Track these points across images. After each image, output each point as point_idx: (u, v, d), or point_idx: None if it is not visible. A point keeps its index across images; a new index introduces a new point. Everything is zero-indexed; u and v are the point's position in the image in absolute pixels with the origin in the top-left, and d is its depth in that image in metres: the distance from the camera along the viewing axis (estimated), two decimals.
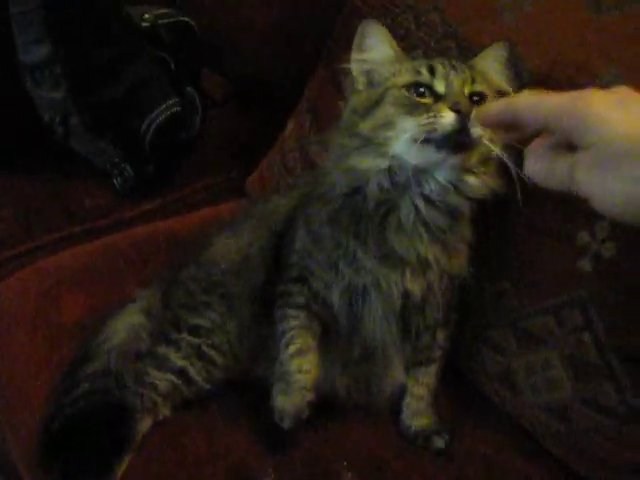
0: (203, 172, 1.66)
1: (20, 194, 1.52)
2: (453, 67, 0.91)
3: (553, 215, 1.01)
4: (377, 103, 0.91)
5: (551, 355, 1.02)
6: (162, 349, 1.05)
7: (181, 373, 1.04)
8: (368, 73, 0.96)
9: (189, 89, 1.58)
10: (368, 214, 0.93)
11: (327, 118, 1.34)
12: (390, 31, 1.21)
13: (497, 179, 0.93)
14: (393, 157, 0.89)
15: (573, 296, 1.00)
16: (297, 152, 1.39)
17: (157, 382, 1.03)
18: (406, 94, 0.89)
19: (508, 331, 1.07)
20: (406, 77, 0.91)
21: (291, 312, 1.00)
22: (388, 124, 0.89)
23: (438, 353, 1.08)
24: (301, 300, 1.00)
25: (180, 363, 1.04)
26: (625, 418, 0.97)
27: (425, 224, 0.92)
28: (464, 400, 1.14)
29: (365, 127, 0.91)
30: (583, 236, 0.99)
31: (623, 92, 0.68)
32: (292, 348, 0.98)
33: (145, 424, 1.02)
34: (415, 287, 0.95)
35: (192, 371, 1.04)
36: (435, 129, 0.84)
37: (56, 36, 1.36)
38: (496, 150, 0.86)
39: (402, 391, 1.09)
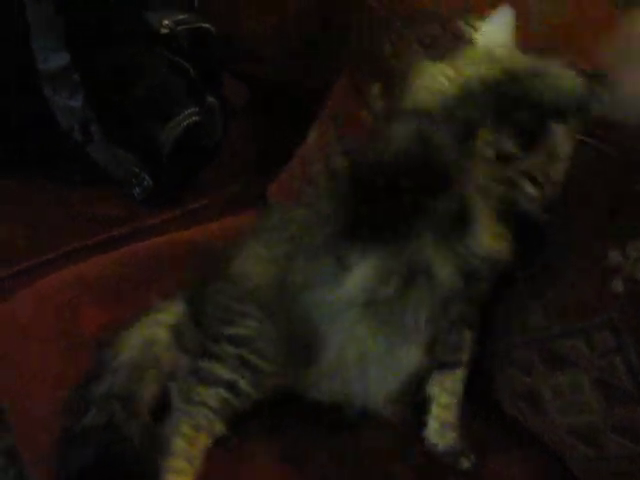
0: (224, 181, 1.64)
1: (38, 203, 1.51)
2: None
3: (583, 233, 0.98)
4: None
5: (580, 378, 0.99)
6: (205, 364, 1.02)
7: (230, 386, 1.00)
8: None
9: (210, 98, 1.55)
10: None
11: (351, 127, 1.33)
12: (416, 39, 1.22)
13: None
14: None
15: (604, 318, 0.97)
16: (320, 162, 1.37)
17: (207, 399, 1.00)
18: None
19: (535, 352, 1.04)
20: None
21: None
22: None
23: (466, 356, 1.06)
24: None
25: (227, 376, 1.01)
26: None
27: None
28: (489, 420, 1.11)
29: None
30: (614, 256, 0.96)
31: None
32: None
33: (203, 442, 0.99)
34: None
35: (241, 382, 1.01)
36: None
37: (74, 44, 1.35)
38: None
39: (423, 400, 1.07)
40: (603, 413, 0.98)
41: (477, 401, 1.10)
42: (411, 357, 1.03)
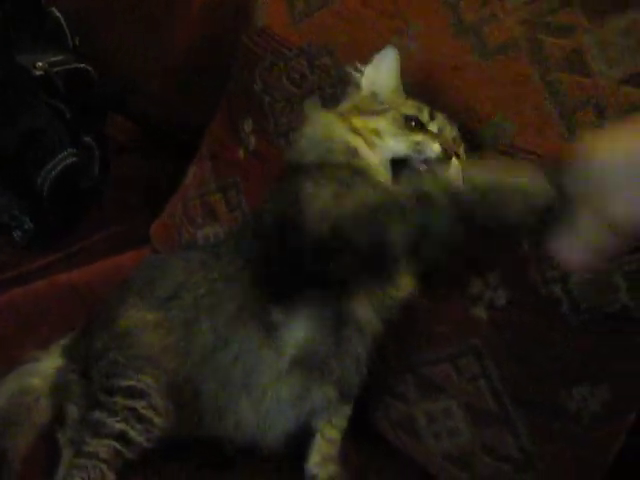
0: (108, 220, 1.61)
1: None
2: (449, 124, 1.00)
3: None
4: (378, 113, 1.00)
5: (450, 403, 1.03)
6: (96, 414, 0.99)
7: (121, 437, 0.98)
8: (373, 90, 1.05)
9: (87, 138, 1.54)
10: None
11: (227, 165, 1.34)
12: (285, 76, 1.24)
13: None
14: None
15: (469, 344, 1.00)
16: (198, 200, 1.37)
17: (98, 449, 0.97)
18: (404, 120, 0.98)
19: (409, 378, 1.07)
20: (410, 109, 1.00)
21: None
22: (378, 133, 0.98)
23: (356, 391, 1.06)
24: None
25: (119, 427, 0.98)
26: (523, 464, 0.98)
27: None
28: (369, 448, 1.12)
29: (358, 123, 1.00)
30: (477, 284, 0.99)
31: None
32: None
33: None
34: None
35: (132, 433, 0.98)
36: (421, 151, 0.94)
37: None
38: None
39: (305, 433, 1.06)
40: (472, 436, 1.01)
41: (357, 430, 1.10)
42: (319, 398, 1.04)
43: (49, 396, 1.07)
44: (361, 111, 1.02)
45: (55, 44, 1.58)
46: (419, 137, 0.95)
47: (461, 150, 0.99)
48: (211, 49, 1.69)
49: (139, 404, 0.99)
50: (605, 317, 0.92)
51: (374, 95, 1.05)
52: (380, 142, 0.98)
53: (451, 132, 0.99)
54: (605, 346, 0.93)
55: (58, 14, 1.61)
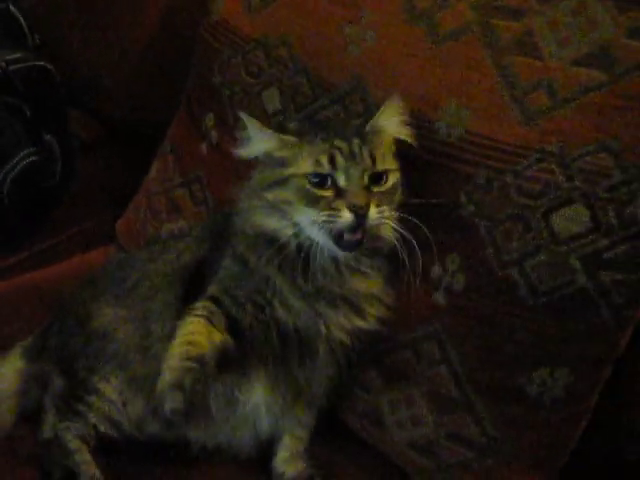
0: (73, 219, 1.61)
1: None
2: (353, 156, 0.92)
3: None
4: (281, 183, 0.94)
5: (413, 390, 1.02)
6: (78, 406, 1.04)
7: (94, 428, 1.04)
8: (264, 157, 0.98)
9: (47, 136, 1.52)
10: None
11: (190, 160, 1.33)
12: (243, 68, 1.22)
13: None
14: (297, 225, 0.93)
15: (429, 329, 1.00)
16: (162, 195, 1.36)
17: (76, 425, 1.04)
18: (307, 186, 0.91)
19: (373, 368, 1.06)
20: (307, 166, 0.92)
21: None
22: (290, 205, 0.92)
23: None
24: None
25: (92, 421, 1.04)
26: (486, 450, 0.98)
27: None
28: (336, 443, 1.12)
29: (270, 197, 0.94)
30: (435, 270, 0.99)
31: None
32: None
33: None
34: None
35: (103, 429, 1.04)
36: (333, 225, 0.89)
37: None
38: (391, 224, 0.93)
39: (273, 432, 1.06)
40: (435, 423, 1.00)
41: (324, 424, 1.10)
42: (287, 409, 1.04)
43: (9, 399, 1.10)
44: (267, 185, 0.95)
45: (13, 42, 1.56)
46: (326, 213, 0.89)
47: (379, 167, 0.93)
48: (176, 45, 1.67)
49: (109, 407, 1.04)
50: (563, 300, 0.91)
51: (269, 158, 0.97)
52: (294, 211, 0.92)
53: (358, 168, 0.91)
54: (564, 330, 0.93)
55: (15, 11, 1.59)
